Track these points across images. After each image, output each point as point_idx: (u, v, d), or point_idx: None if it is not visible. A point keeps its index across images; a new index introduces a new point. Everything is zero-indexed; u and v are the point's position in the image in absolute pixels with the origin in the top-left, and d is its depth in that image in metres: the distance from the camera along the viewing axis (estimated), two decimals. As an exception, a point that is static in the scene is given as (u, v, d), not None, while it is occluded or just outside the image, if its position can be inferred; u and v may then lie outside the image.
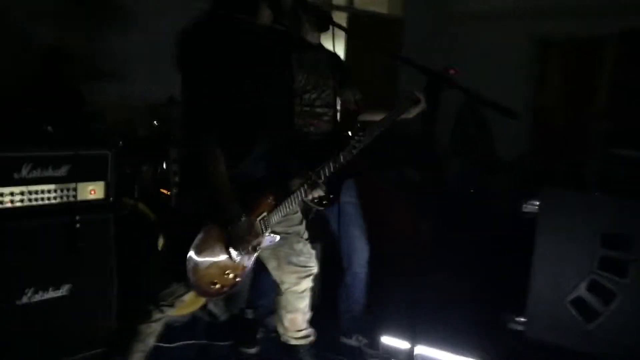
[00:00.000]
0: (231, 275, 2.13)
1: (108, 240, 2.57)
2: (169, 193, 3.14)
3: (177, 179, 3.05)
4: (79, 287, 2.48)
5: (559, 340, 2.85)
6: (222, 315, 3.14)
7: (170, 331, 2.59)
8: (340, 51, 4.70)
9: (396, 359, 2.80)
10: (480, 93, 2.25)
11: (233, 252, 2.07)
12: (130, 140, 3.20)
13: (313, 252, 2.37)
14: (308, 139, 2.69)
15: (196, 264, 2.01)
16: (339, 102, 2.86)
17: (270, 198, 2.18)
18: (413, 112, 2.57)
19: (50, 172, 2.41)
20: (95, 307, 2.55)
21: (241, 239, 2.06)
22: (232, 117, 2.03)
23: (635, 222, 2.76)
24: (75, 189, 2.48)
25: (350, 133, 2.52)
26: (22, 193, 2.33)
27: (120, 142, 3.09)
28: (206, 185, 2.00)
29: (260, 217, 2.14)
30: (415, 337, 1.82)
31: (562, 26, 4.53)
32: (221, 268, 2.09)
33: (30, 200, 2.36)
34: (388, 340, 2.88)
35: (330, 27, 2.55)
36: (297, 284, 2.34)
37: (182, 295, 2.14)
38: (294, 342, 2.47)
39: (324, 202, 2.64)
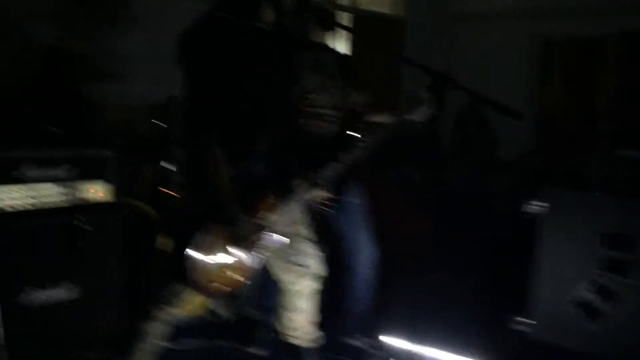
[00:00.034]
0: (233, 275, 2.12)
1: (110, 240, 2.57)
2: (169, 193, 3.13)
3: (177, 178, 3.04)
4: (81, 288, 2.48)
5: (561, 340, 2.85)
6: (227, 316, 3.14)
7: (174, 331, 2.58)
8: (343, 51, 4.69)
9: (397, 359, 2.80)
10: (484, 94, 2.25)
11: (233, 252, 2.06)
12: (131, 140, 3.20)
13: (314, 252, 2.37)
14: (312, 139, 2.69)
15: (197, 263, 2.01)
16: (344, 102, 2.85)
17: (271, 198, 2.17)
18: (420, 115, 2.56)
19: (50, 172, 2.41)
20: (99, 308, 2.54)
21: (241, 239, 2.06)
22: (232, 117, 2.03)
23: (638, 222, 2.76)
24: (75, 189, 2.47)
25: (352, 133, 2.51)
26: (24, 194, 2.32)
27: (121, 142, 3.08)
28: (206, 185, 2.00)
29: (260, 217, 2.14)
30: (416, 337, 1.82)
31: (564, 26, 4.53)
32: (222, 268, 2.09)
33: (30, 200, 2.35)
34: (389, 341, 2.87)
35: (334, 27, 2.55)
36: (295, 282, 2.33)
37: (185, 295, 2.14)
38: (296, 342, 2.46)
39: (328, 203, 2.64)
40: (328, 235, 2.91)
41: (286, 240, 2.23)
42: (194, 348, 2.85)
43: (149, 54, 3.52)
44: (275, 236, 2.20)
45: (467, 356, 2.71)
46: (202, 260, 2.02)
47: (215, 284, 2.09)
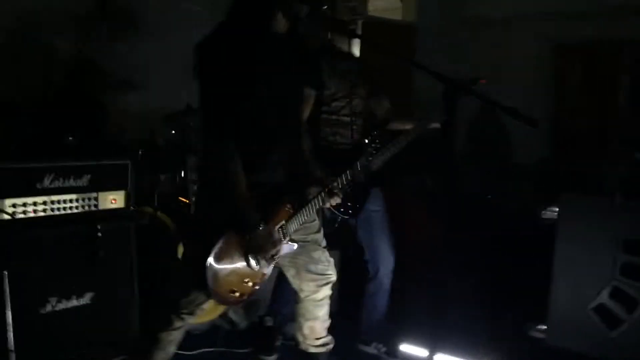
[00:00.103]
0: (250, 283, 2.14)
1: (129, 249, 2.60)
2: (188, 201, 3.16)
3: (195, 187, 3.07)
4: (100, 296, 2.51)
5: (580, 348, 2.81)
6: (242, 323, 3.15)
7: (190, 339, 2.60)
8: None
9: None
10: (498, 100, 2.24)
11: (252, 260, 2.08)
12: (150, 149, 3.24)
13: (331, 259, 2.38)
14: (334, 147, 2.70)
15: (216, 272, 2.02)
16: (367, 110, 2.86)
17: (288, 206, 2.19)
18: (439, 122, 2.59)
19: (71, 182, 2.45)
20: (117, 316, 2.57)
21: (260, 247, 2.07)
22: (249, 125, 2.05)
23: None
24: (96, 199, 2.52)
25: (367, 141, 2.53)
26: (44, 203, 2.36)
27: (140, 151, 3.13)
28: (225, 193, 2.01)
29: (278, 225, 2.15)
30: (435, 345, 1.81)
31: (578, 29, 4.49)
32: (240, 276, 2.10)
33: (52, 210, 2.39)
34: (407, 349, 2.86)
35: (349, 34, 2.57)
36: (315, 291, 2.34)
37: (202, 303, 2.16)
38: (312, 350, 2.47)
39: (350, 211, 2.66)
40: (348, 242, 2.92)
41: (301, 247, 2.25)
42: (211, 355, 2.86)
43: (167, 64, 3.56)
44: (293, 244, 2.22)
45: (484, 363, 2.70)
46: (221, 269, 2.04)
47: (234, 293, 2.11)
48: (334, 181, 2.29)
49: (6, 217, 2.23)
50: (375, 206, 2.80)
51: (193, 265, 2.07)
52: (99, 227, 2.48)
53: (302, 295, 2.37)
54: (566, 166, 4.58)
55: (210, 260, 2.00)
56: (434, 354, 1.80)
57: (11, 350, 2.15)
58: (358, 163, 2.42)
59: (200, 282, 2.02)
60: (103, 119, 3.28)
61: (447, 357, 2.70)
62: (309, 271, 2.30)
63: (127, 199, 2.61)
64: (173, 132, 3.39)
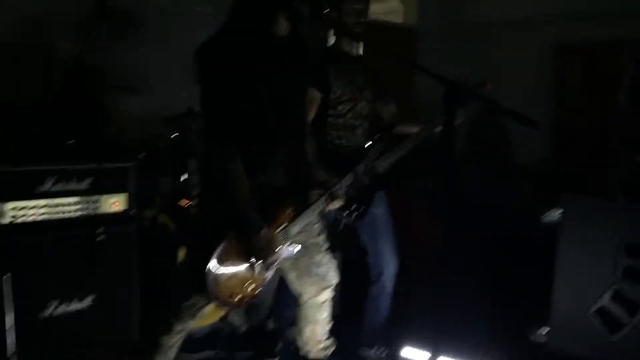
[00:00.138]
0: (251, 287, 2.13)
1: (130, 252, 2.59)
2: (189, 204, 3.16)
3: (197, 190, 3.07)
4: (101, 299, 2.51)
5: (582, 351, 2.80)
6: (243, 326, 3.15)
7: (191, 342, 2.60)
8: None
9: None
10: (498, 101, 2.24)
11: (254, 264, 2.07)
12: (151, 152, 3.24)
13: (333, 262, 2.37)
14: (339, 150, 2.70)
15: (217, 275, 2.02)
16: (374, 113, 2.86)
17: (290, 209, 2.18)
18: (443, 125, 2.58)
19: (73, 185, 2.45)
20: (118, 319, 2.57)
21: (262, 250, 2.07)
22: (250, 128, 2.05)
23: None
24: (97, 202, 2.51)
25: (369, 144, 2.53)
26: (45, 206, 2.36)
27: (141, 154, 3.12)
28: (227, 196, 2.01)
29: (280, 228, 2.15)
30: (436, 348, 1.81)
31: (578, 30, 4.50)
32: (241, 279, 2.10)
33: (53, 213, 2.39)
34: (409, 352, 2.86)
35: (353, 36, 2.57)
36: (317, 295, 2.33)
37: (203, 306, 2.15)
38: (313, 354, 2.46)
39: (354, 214, 2.65)
40: (351, 245, 2.92)
41: (303, 250, 2.24)
42: (212, 359, 2.86)
43: (168, 67, 3.57)
44: (295, 247, 2.21)
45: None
46: (222, 273, 2.04)
47: (235, 297, 2.10)
48: (336, 184, 2.29)
49: (8, 220, 2.23)
50: (379, 209, 2.80)
51: (194, 268, 2.07)
52: (100, 230, 2.47)
53: (303, 298, 2.36)
54: (566, 167, 4.58)
55: (211, 263, 2.00)
56: (435, 357, 1.80)
57: (13, 353, 2.15)
58: (360, 166, 2.42)
59: (201, 286, 2.01)
60: (104, 121, 3.28)
61: (448, 361, 2.69)
62: (310, 274, 2.29)
63: (129, 202, 2.61)
64: (174, 134, 3.39)
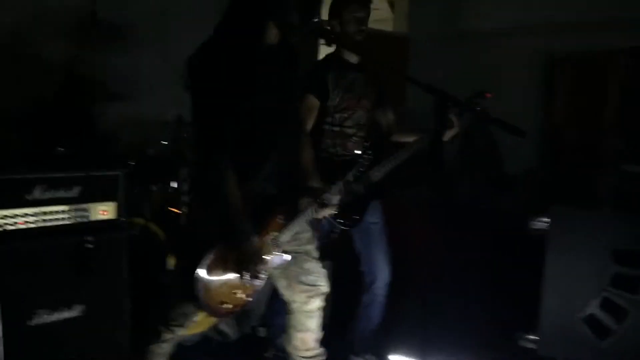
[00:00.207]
0: (241, 295, 2.13)
1: (119, 261, 2.58)
2: (179, 212, 3.16)
3: (187, 198, 3.07)
4: (91, 308, 2.49)
5: (571, 358, 2.82)
6: (233, 335, 3.14)
7: (181, 351, 2.59)
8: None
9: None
10: (488, 111, 2.26)
11: (243, 272, 2.07)
12: (141, 160, 3.23)
13: (323, 271, 2.37)
14: (334, 159, 2.71)
15: (206, 283, 2.02)
16: (371, 122, 2.87)
17: (280, 217, 2.19)
18: (447, 135, 2.62)
19: (62, 193, 2.43)
20: (107, 328, 2.55)
21: (252, 259, 2.07)
22: (241, 136, 2.05)
23: (647, 238, 2.74)
24: (86, 210, 2.50)
25: (360, 152, 2.54)
26: (34, 214, 2.35)
27: (131, 162, 3.11)
28: (218, 204, 2.01)
29: (270, 237, 2.15)
30: (425, 355, 1.81)
31: (570, 41, 4.54)
32: (231, 288, 2.10)
33: (42, 221, 2.38)
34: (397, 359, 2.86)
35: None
36: (306, 303, 2.33)
37: (192, 315, 2.15)
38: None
39: (349, 222, 2.66)
40: (343, 253, 2.92)
41: (293, 258, 2.24)
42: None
43: (158, 74, 3.57)
44: (285, 256, 2.21)
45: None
46: (212, 281, 2.03)
47: (226, 305, 2.10)
48: (326, 192, 2.29)
49: (-5, 228, 2.22)
50: (374, 218, 2.81)
51: (184, 276, 2.06)
52: (89, 238, 2.46)
53: (293, 306, 2.36)
54: (556, 176, 4.61)
55: (201, 271, 2.00)
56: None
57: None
58: (349, 175, 2.42)
59: (191, 294, 2.01)
60: (94, 129, 3.27)
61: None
62: (301, 282, 2.29)
63: (118, 210, 2.60)
64: (164, 142, 3.38)
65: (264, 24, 2.04)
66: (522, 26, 4.80)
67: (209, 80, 1.96)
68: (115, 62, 3.54)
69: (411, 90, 5.11)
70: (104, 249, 2.52)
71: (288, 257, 2.21)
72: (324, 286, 2.35)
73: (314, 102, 2.62)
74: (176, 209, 3.19)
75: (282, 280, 2.31)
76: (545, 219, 2.92)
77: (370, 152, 2.50)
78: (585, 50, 4.54)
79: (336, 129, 2.71)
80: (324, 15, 2.68)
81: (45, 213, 2.38)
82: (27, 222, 2.33)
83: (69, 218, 2.45)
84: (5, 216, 2.26)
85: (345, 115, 2.71)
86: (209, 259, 2.01)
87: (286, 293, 2.34)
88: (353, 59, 2.75)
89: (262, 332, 2.89)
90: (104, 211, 2.55)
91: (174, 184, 3.24)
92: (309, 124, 2.61)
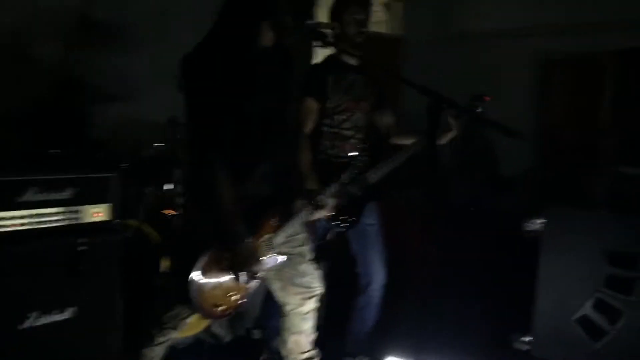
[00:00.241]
0: (235, 297, 2.13)
1: (112, 263, 2.56)
2: (173, 214, 3.14)
3: (181, 200, 3.06)
4: (83, 311, 2.47)
5: (565, 359, 2.82)
6: (227, 337, 3.12)
7: (174, 353, 2.57)
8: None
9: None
10: (485, 113, 2.26)
11: (238, 274, 2.06)
12: (134, 162, 3.22)
13: (317, 272, 2.37)
14: (332, 160, 2.70)
15: (200, 285, 2.01)
16: (370, 124, 2.86)
17: (275, 219, 2.18)
18: (445, 138, 2.63)
19: (54, 195, 2.42)
20: (100, 331, 2.53)
21: (246, 261, 2.06)
22: (235, 138, 2.04)
23: (641, 239, 2.75)
24: (79, 212, 2.48)
25: (355, 154, 2.54)
26: (26, 217, 2.33)
27: (125, 164, 3.10)
28: (212, 206, 2.00)
29: (264, 238, 2.14)
30: (419, 357, 1.81)
31: (565, 43, 4.56)
32: (225, 290, 2.09)
33: (34, 223, 2.36)
34: (392, 361, 2.85)
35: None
36: (301, 305, 2.33)
37: (185, 317, 2.14)
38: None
39: (345, 224, 2.66)
40: (338, 255, 2.92)
41: (287, 260, 2.24)
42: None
43: (151, 76, 3.56)
44: (279, 257, 2.21)
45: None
46: (206, 283, 2.02)
47: (219, 307, 2.09)
48: (320, 194, 2.29)
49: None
50: (370, 220, 2.80)
51: (177, 278, 2.05)
52: (81, 240, 2.44)
53: (287, 308, 2.36)
54: (552, 178, 4.62)
55: (195, 273, 1.99)
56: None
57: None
58: (344, 176, 2.42)
59: (185, 296, 2.00)
60: (87, 130, 3.26)
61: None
62: (295, 284, 2.29)
63: (111, 212, 2.58)
64: (158, 144, 3.37)
65: (258, 25, 2.04)
66: (518, 27, 4.81)
67: (203, 79, 1.96)
68: (110, 63, 3.53)
69: (406, 92, 5.12)
70: (97, 251, 2.50)
71: (283, 258, 2.20)
72: (319, 288, 2.34)
73: (312, 104, 2.62)
74: (170, 210, 3.18)
75: (276, 282, 2.31)
76: (539, 220, 2.92)
77: (365, 154, 2.50)
78: (581, 51, 4.56)
79: (334, 130, 2.71)
80: (323, 17, 2.69)
81: (37, 215, 2.36)
82: (19, 224, 2.31)
83: (61, 220, 2.43)
84: (-2, 218, 2.25)
85: (344, 117, 2.71)
86: (203, 260, 2.01)
87: (280, 295, 2.34)
88: (352, 60, 2.75)
89: (256, 334, 2.88)
90: (97, 213, 2.54)
91: (168, 186, 3.23)
92: (308, 127, 2.60)
